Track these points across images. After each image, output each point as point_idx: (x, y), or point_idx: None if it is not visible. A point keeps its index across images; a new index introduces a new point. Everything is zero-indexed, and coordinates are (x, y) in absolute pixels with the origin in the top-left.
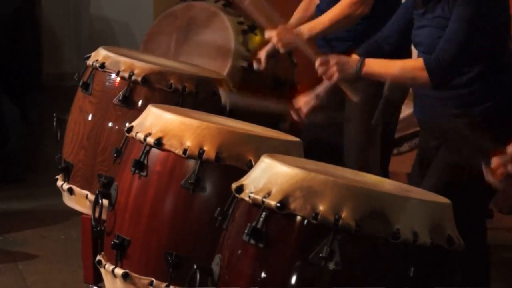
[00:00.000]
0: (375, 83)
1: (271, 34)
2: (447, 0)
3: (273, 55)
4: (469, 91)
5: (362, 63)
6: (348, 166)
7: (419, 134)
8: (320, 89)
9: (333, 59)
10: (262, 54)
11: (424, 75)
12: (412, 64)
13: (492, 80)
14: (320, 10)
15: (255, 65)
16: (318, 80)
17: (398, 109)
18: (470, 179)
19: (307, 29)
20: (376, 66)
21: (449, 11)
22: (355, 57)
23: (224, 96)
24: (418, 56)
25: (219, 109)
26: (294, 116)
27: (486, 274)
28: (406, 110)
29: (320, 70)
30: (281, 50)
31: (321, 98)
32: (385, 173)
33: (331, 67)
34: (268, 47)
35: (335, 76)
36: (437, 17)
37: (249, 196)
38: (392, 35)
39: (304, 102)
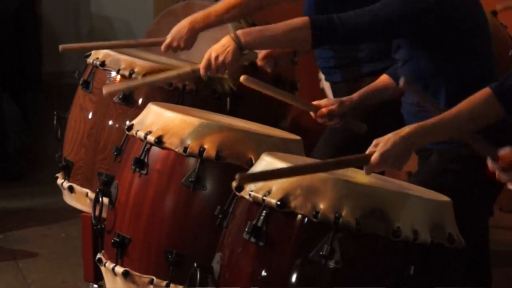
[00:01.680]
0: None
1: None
2: None
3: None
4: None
5: (236, 37)
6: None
7: None
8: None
9: (209, 51)
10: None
11: (307, 32)
12: (296, 21)
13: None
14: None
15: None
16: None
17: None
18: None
19: (201, 16)
20: (254, 32)
21: None
22: (226, 36)
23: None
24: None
25: (219, 107)
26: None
27: (486, 274)
28: None
29: (208, 73)
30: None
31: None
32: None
33: (215, 60)
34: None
35: (226, 63)
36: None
37: (250, 194)
38: None
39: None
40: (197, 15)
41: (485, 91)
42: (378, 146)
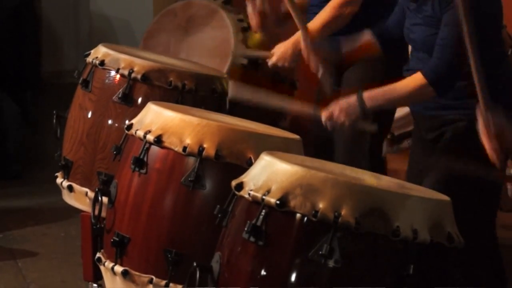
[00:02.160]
0: (370, 74)
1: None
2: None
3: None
4: (465, 84)
5: (362, 101)
6: (336, 159)
7: (413, 132)
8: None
9: (335, 107)
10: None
11: (429, 89)
12: (414, 83)
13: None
14: (312, 12)
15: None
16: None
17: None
18: (471, 176)
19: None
20: (379, 97)
21: (439, 11)
22: (353, 97)
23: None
24: (412, 51)
25: (218, 107)
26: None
27: (498, 275)
28: (406, 108)
29: (328, 124)
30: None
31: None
32: (379, 162)
33: (338, 117)
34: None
35: (346, 123)
36: (427, 16)
37: (249, 194)
38: (394, 28)
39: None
40: (298, 36)
41: None
42: None
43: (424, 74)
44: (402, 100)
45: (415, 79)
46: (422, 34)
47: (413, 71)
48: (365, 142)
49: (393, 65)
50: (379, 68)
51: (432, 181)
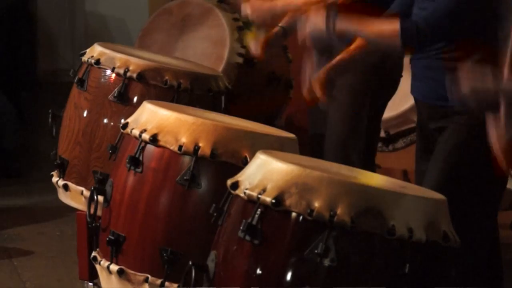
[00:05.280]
0: (363, 71)
1: (246, 8)
2: None
3: (272, 43)
4: None
5: (334, 17)
6: (327, 157)
7: (416, 119)
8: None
9: (310, 13)
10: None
11: (397, 40)
12: (390, 28)
13: None
14: None
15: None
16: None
17: (389, 94)
18: (475, 169)
19: (282, 3)
20: (352, 23)
21: None
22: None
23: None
24: None
25: (214, 106)
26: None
27: (497, 272)
28: (401, 107)
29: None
30: (256, 22)
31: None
32: (371, 165)
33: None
34: (266, 37)
35: (307, 31)
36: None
37: (245, 193)
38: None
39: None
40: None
41: None
42: None
43: (402, 24)
44: (371, 37)
45: (391, 24)
46: None
47: (414, 60)
48: (359, 139)
49: (389, 75)
50: (373, 77)
51: (433, 180)
